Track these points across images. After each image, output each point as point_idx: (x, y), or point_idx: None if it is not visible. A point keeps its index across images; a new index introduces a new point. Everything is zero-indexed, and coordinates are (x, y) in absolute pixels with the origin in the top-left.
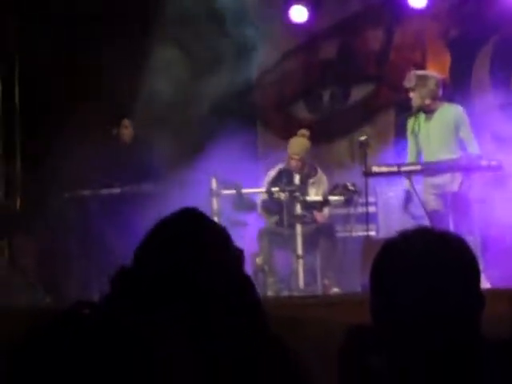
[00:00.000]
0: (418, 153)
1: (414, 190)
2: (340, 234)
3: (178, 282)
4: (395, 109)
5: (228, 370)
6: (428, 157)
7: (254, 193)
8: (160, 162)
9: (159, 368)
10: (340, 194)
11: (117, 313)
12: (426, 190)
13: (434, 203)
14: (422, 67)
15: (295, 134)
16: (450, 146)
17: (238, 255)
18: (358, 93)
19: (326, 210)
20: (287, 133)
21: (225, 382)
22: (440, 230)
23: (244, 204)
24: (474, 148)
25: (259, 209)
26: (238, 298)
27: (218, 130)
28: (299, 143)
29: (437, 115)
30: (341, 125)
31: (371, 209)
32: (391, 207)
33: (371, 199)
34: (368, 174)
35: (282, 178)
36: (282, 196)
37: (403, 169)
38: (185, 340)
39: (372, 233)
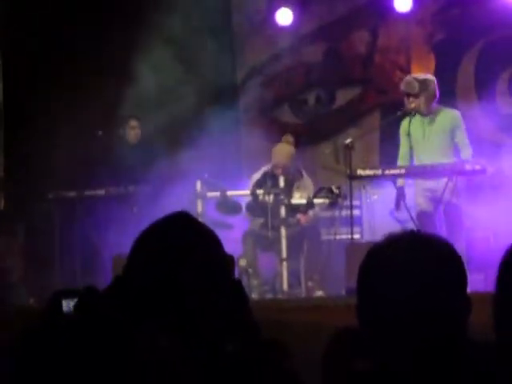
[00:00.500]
0: (410, 154)
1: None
2: (324, 237)
3: (169, 288)
4: (380, 112)
5: (221, 375)
6: (421, 159)
7: (239, 195)
8: (161, 164)
9: (151, 374)
10: (325, 197)
11: (110, 319)
12: (418, 191)
13: (424, 205)
14: (407, 71)
15: (280, 138)
16: (445, 150)
17: (228, 261)
18: (344, 96)
19: (311, 213)
20: (272, 136)
21: None
22: (427, 234)
23: (229, 206)
24: (466, 153)
25: (244, 211)
26: (229, 304)
27: (203, 132)
28: (283, 152)
29: (434, 118)
30: (326, 128)
31: (356, 212)
32: (376, 210)
33: (356, 202)
34: (353, 177)
35: (267, 180)
36: (267, 199)
37: (388, 172)
38: (175, 346)
39: (356, 236)
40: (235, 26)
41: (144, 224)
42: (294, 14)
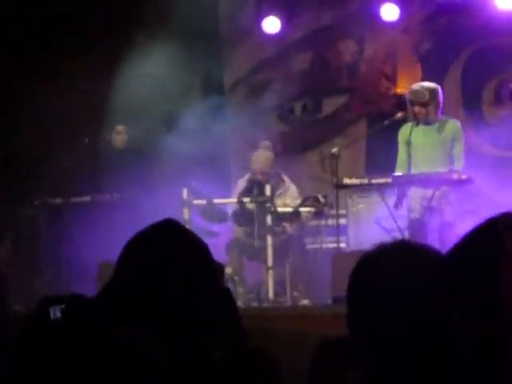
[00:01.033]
0: (409, 162)
1: (385, 202)
2: (310, 246)
3: (157, 296)
4: (367, 121)
5: (209, 382)
6: (420, 168)
7: (225, 203)
8: (148, 170)
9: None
10: (311, 206)
11: (97, 324)
12: (414, 199)
13: (418, 213)
14: (393, 80)
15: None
16: (445, 160)
17: (217, 268)
18: (330, 105)
19: (296, 222)
20: (258, 143)
21: None
22: (417, 244)
23: (215, 214)
24: (459, 164)
25: (230, 219)
26: (217, 311)
27: (190, 138)
28: (261, 158)
29: (442, 127)
30: (313, 136)
31: (342, 221)
32: (362, 219)
33: (342, 211)
34: (339, 186)
35: (253, 188)
36: (253, 207)
37: (374, 181)
38: (162, 353)
39: (342, 245)
40: (223, 34)
41: (130, 231)
42: (281, 22)
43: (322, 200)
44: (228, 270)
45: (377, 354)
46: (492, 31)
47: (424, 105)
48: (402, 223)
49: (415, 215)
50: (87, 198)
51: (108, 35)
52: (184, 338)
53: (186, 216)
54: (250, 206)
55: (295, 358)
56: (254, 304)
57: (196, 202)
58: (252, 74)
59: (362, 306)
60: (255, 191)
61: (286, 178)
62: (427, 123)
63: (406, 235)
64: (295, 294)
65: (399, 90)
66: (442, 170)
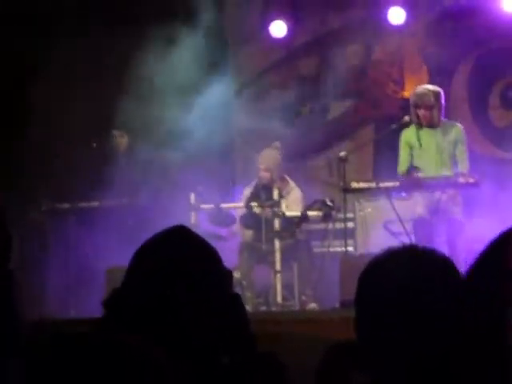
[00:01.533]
0: (410, 165)
1: (393, 206)
2: (318, 250)
3: (166, 301)
4: (374, 124)
5: None
6: (424, 171)
7: (233, 208)
8: (150, 175)
9: None
10: (318, 210)
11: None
12: (418, 200)
13: (423, 214)
14: (400, 83)
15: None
16: (449, 163)
17: (226, 274)
18: (337, 109)
19: (304, 226)
20: (264, 147)
21: None
22: (426, 248)
23: (222, 218)
24: (463, 166)
25: (238, 223)
26: (226, 317)
27: (197, 142)
28: (269, 155)
29: (447, 130)
30: (320, 140)
31: (349, 224)
32: (369, 223)
33: (349, 215)
34: (347, 189)
35: (261, 192)
36: (261, 211)
37: (382, 185)
38: (170, 359)
39: (350, 249)
40: (229, 38)
41: (138, 236)
42: (287, 26)
43: (329, 204)
44: (236, 275)
45: (384, 359)
46: (498, 34)
47: (429, 108)
48: (410, 227)
49: (420, 216)
50: (95, 203)
51: (116, 40)
52: (193, 343)
53: (193, 220)
54: (258, 210)
55: (303, 362)
56: (263, 308)
57: (203, 206)
58: (259, 77)
59: (370, 310)
60: (262, 196)
61: (290, 180)
62: (431, 126)
63: (413, 238)
64: (303, 297)
65: (406, 94)
66: (446, 173)
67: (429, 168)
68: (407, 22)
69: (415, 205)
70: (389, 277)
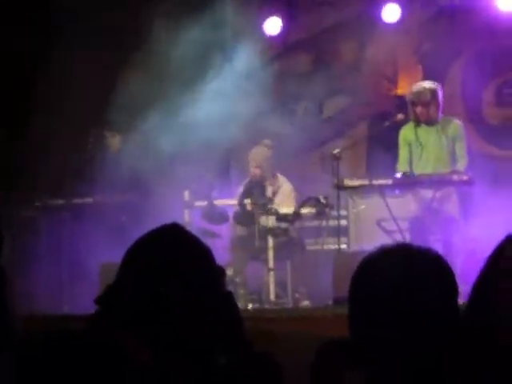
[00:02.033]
0: (410, 163)
1: (386, 204)
2: (311, 247)
3: (159, 299)
4: (368, 122)
5: None
6: (423, 168)
7: (226, 204)
8: (142, 172)
9: None
10: (312, 207)
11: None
12: (414, 199)
13: (418, 212)
14: (394, 81)
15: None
16: (448, 159)
17: (219, 272)
18: (331, 106)
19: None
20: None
21: None
22: (419, 247)
23: (216, 215)
24: (462, 164)
25: (231, 220)
26: (219, 315)
27: (191, 140)
28: (259, 152)
29: (445, 127)
30: (314, 138)
31: (343, 222)
32: (363, 220)
33: (343, 212)
34: (340, 187)
35: (254, 189)
36: (254, 208)
37: (375, 182)
38: (163, 358)
39: (343, 246)
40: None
41: (132, 232)
42: (282, 23)
43: (323, 201)
44: (229, 272)
45: (377, 357)
46: (493, 32)
47: (426, 105)
48: (403, 225)
49: (415, 215)
50: (89, 200)
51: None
52: (186, 342)
53: (187, 218)
54: (251, 207)
55: (297, 360)
56: (256, 305)
57: (197, 203)
58: (253, 74)
59: (364, 308)
60: (255, 193)
61: (280, 176)
62: (429, 123)
63: (408, 236)
64: (296, 295)
65: (400, 92)
66: (445, 169)
67: (426, 165)
68: (401, 20)
69: (410, 203)
70: (382, 275)
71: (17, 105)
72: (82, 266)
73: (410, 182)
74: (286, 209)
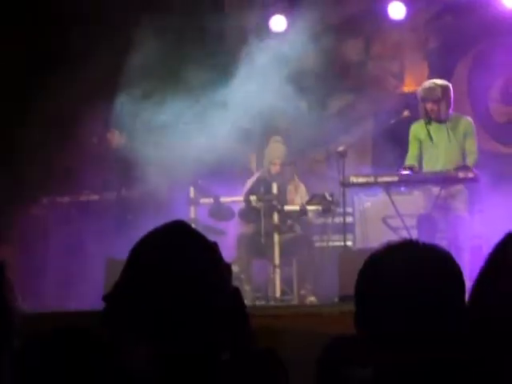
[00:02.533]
0: (420, 159)
1: (392, 201)
2: (317, 244)
3: (165, 297)
4: (373, 119)
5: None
6: (433, 165)
7: (232, 201)
8: (144, 169)
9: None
10: (317, 204)
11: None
12: (424, 196)
13: (427, 209)
14: (400, 78)
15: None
16: (457, 156)
17: (226, 269)
18: (337, 103)
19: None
20: (264, 141)
21: None
22: (426, 244)
23: (222, 212)
24: (471, 160)
25: (237, 217)
26: (226, 312)
27: (196, 137)
28: (278, 148)
29: (456, 125)
30: (319, 135)
31: (348, 219)
32: (368, 218)
33: (348, 209)
34: (345, 184)
35: (260, 186)
36: (260, 205)
37: (380, 179)
38: (167, 356)
39: (349, 243)
40: (228, 33)
41: (138, 229)
42: (287, 21)
43: (328, 198)
44: (235, 269)
45: (385, 353)
46: (499, 29)
47: (436, 102)
48: (410, 222)
49: (424, 212)
50: (95, 197)
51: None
52: (191, 339)
53: (192, 215)
54: (257, 204)
55: (302, 357)
56: (261, 302)
57: (203, 200)
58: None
59: (370, 305)
60: (262, 190)
61: (296, 176)
62: (439, 121)
63: (414, 233)
64: (302, 292)
65: (406, 89)
66: (456, 166)
67: (437, 162)
68: (407, 17)
69: (416, 200)
70: (389, 271)
71: (22, 102)
72: (88, 263)
73: (416, 179)
74: (292, 206)
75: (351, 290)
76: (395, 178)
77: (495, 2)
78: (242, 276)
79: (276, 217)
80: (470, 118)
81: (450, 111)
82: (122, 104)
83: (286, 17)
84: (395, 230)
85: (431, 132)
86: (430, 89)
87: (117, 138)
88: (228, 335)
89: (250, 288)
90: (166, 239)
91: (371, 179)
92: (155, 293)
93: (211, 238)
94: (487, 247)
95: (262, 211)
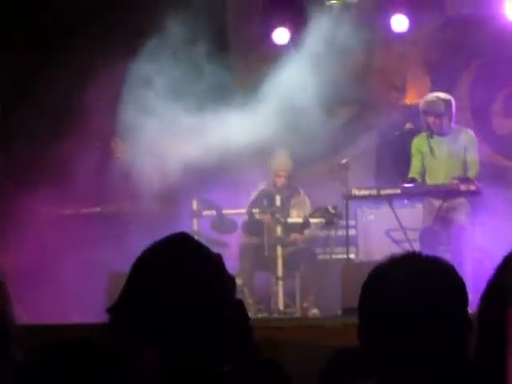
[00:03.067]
0: (422, 173)
1: (395, 214)
2: (320, 257)
3: (168, 309)
4: (377, 131)
5: None
6: (436, 178)
7: (235, 214)
8: (148, 180)
9: None
10: (321, 217)
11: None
12: (426, 209)
13: (430, 223)
14: (403, 91)
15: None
16: (459, 170)
17: (229, 281)
18: (340, 115)
19: (307, 232)
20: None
21: None
22: (429, 257)
23: (224, 225)
24: (474, 172)
25: (240, 230)
26: (230, 325)
27: (197, 148)
28: (283, 160)
29: (457, 138)
30: (322, 147)
31: (351, 232)
32: (371, 230)
33: (351, 222)
34: (348, 196)
35: (263, 199)
36: (263, 217)
37: (383, 192)
38: (171, 366)
39: (352, 256)
40: (232, 46)
41: (140, 242)
42: (290, 33)
43: (331, 211)
44: (237, 281)
45: (388, 366)
46: (502, 42)
47: (439, 116)
48: (412, 234)
49: (427, 225)
50: (97, 209)
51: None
52: (195, 350)
53: (195, 227)
54: (260, 216)
55: (305, 369)
56: (264, 315)
57: (206, 212)
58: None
59: (374, 318)
60: (265, 202)
61: (301, 190)
62: (441, 134)
63: (417, 245)
64: (305, 304)
65: (408, 101)
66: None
67: (439, 175)
68: (410, 30)
69: (419, 213)
70: (392, 284)
71: (24, 108)
72: (91, 275)
73: (419, 192)
74: (296, 218)
75: (354, 303)
76: (398, 191)
77: (498, 15)
78: (245, 289)
79: (279, 229)
80: (471, 131)
81: (452, 124)
82: (126, 113)
83: (289, 29)
84: (398, 242)
85: (433, 145)
86: (432, 102)
87: (119, 148)
88: (232, 347)
89: (253, 300)
90: (169, 251)
91: (374, 192)
92: (159, 304)
93: (214, 250)
94: (489, 260)
95: (266, 224)
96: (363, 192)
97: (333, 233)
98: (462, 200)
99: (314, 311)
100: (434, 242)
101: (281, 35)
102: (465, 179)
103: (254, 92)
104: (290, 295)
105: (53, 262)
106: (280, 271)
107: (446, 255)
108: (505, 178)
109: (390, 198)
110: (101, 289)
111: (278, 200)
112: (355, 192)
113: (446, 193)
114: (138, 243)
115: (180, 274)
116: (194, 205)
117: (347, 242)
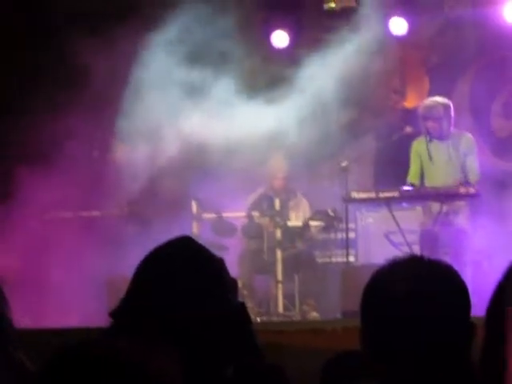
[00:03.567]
0: (421, 176)
1: (394, 217)
2: (319, 260)
3: (172, 312)
4: (376, 135)
5: None
6: (433, 181)
7: (235, 217)
8: (149, 184)
9: None
10: (320, 220)
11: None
12: (425, 212)
13: (429, 225)
14: (402, 94)
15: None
16: (458, 174)
17: (231, 283)
18: (339, 118)
19: (306, 236)
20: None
21: None
22: (430, 260)
23: (224, 228)
24: (473, 176)
25: (239, 233)
26: (232, 328)
27: (196, 150)
28: (280, 162)
29: (456, 142)
30: (321, 150)
31: (351, 235)
32: (371, 233)
33: (351, 225)
34: (348, 200)
35: (263, 202)
36: (263, 221)
37: (382, 195)
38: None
39: (351, 259)
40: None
41: (140, 246)
42: (289, 36)
43: (331, 214)
44: (239, 284)
45: (390, 368)
46: (501, 44)
47: (437, 120)
48: (412, 237)
49: (426, 228)
50: (96, 213)
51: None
52: (198, 354)
53: (195, 230)
54: (260, 220)
55: (305, 372)
56: (263, 318)
57: (205, 215)
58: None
59: (376, 321)
60: (264, 205)
61: (298, 191)
62: (441, 138)
63: (417, 248)
64: (304, 307)
65: (408, 104)
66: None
67: (438, 179)
68: (409, 33)
69: (418, 216)
70: (394, 287)
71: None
72: (90, 279)
73: (417, 195)
74: (295, 222)
75: (354, 306)
76: (397, 194)
77: (496, 17)
78: (245, 292)
79: (279, 233)
80: (470, 135)
81: (452, 129)
82: (127, 116)
83: (288, 32)
84: (398, 245)
85: (431, 150)
86: (431, 107)
87: (120, 151)
88: (234, 350)
89: (253, 304)
90: (172, 254)
91: (373, 195)
92: (162, 307)
93: (214, 253)
94: (488, 262)
95: (265, 227)
96: (362, 195)
97: (332, 236)
98: (461, 203)
99: (314, 314)
100: (434, 244)
101: (279, 38)
102: (464, 183)
103: (254, 95)
104: (289, 298)
105: (54, 264)
106: (279, 274)
107: (446, 258)
108: (504, 180)
109: (389, 201)
110: (100, 292)
111: (277, 203)
112: (354, 195)
113: (446, 196)
114: (138, 247)
115: (183, 277)
116: (194, 207)
117: (347, 245)
